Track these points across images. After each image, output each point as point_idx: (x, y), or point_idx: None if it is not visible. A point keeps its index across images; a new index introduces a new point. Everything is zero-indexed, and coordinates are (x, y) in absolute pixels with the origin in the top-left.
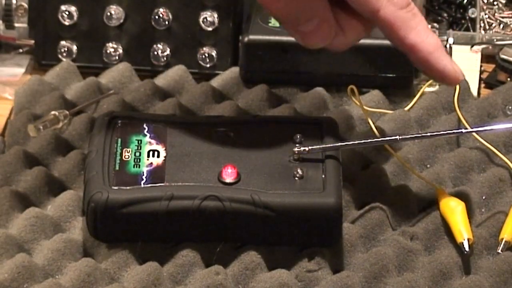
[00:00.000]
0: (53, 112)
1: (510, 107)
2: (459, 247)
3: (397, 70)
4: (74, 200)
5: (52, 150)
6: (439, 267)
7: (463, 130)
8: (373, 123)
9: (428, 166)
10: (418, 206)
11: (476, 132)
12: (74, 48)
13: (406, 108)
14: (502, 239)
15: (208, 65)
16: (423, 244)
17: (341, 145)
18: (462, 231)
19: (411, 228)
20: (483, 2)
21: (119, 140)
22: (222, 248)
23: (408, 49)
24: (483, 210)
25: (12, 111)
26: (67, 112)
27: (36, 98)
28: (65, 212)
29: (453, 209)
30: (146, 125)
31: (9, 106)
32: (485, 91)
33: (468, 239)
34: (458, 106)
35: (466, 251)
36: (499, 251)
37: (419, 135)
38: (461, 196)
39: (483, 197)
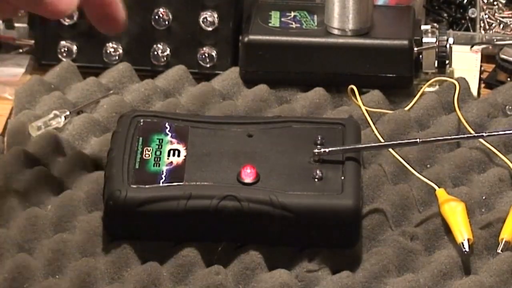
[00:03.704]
0: (53, 112)
1: (510, 107)
2: (459, 247)
3: (397, 70)
4: (74, 200)
5: (52, 150)
6: (439, 267)
7: (484, 134)
8: (373, 123)
9: (428, 166)
10: (418, 206)
11: (498, 135)
12: (74, 48)
13: (406, 108)
14: (502, 239)
15: (208, 65)
16: (423, 244)
17: (360, 147)
18: (462, 231)
19: (411, 228)
20: (483, 2)
21: (141, 138)
22: (222, 248)
23: None
24: (483, 210)
25: (12, 111)
26: (68, 112)
27: (36, 98)
28: (65, 212)
29: (453, 209)
30: (168, 124)
31: (9, 106)
32: (485, 91)
33: (468, 239)
34: (458, 106)
35: (466, 251)
36: (499, 251)
37: (441, 138)
38: (461, 196)
39: (483, 197)
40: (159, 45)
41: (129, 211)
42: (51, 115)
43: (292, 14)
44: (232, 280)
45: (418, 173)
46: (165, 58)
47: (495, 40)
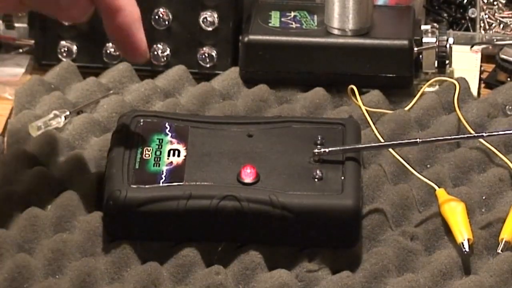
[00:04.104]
0: (53, 112)
1: (510, 107)
2: (459, 247)
3: (397, 70)
4: (74, 200)
5: (52, 150)
6: (439, 267)
7: (484, 134)
8: (373, 123)
9: (428, 166)
10: (418, 206)
11: (498, 135)
12: (74, 48)
13: (406, 108)
14: (502, 239)
15: (208, 65)
16: (423, 244)
17: (360, 147)
18: (462, 231)
19: (411, 228)
20: (483, 2)
21: (141, 138)
22: (222, 248)
23: (114, 11)
24: (483, 210)
25: (12, 111)
26: (68, 112)
27: (36, 98)
28: (65, 212)
29: (453, 209)
30: (168, 124)
31: (9, 106)
32: (485, 91)
33: (468, 239)
34: (458, 106)
35: (466, 251)
36: (499, 251)
37: (441, 138)
38: (461, 196)
39: (483, 197)
40: (159, 45)
41: (129, 211)
42: (51, 115)
43: (292, 14)
44: (232, 280)
45: (418, 173)
46: (165, 58)
47: (495, 40)
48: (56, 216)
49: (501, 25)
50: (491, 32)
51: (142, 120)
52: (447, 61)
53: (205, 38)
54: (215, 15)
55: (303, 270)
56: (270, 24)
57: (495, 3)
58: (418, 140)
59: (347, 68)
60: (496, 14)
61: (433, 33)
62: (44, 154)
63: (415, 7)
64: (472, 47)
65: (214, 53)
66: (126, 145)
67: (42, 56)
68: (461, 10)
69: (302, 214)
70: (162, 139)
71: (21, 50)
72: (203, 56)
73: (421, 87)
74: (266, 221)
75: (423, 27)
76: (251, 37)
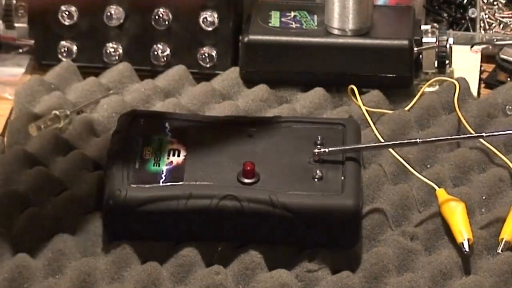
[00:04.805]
0: (54, 112)
1: (510, 107)
2: (459, 247)
3: (397, 70)
4: (74, 200)
5: (52, 150)
6: (439, 267)
7: (484, 134)
8: (373, 123)
9: (428, 166)
10: (418, 206)
11: (498, 136)
12: (74, 48)
13: (406, 108)
14: (502, 239)
15: (208, 65)
16: (423, 244)
17: (360, 147)
18: (462, 231)
19: (411, 228)
20: (483, 2)
21: (141, 138)
22: (222, 248)
23: None
24: (483, 210)
25: (12, 111)
26: (68, 112)
27: (36, 98)
28: (65, 212)
29: (453, 209)
30: (168, 124)
31: (9, 106)
32: (485, 91)
33: (468, 239)
34: (458, 106)
35: (466, 251)
36: (499, 251)
37: (441, 138)
38: (461, 196)
39: (483, 197)
40: (159, 45)
41: (129, 211)
42: (51, 115)
43: (292, 14)
44: (232, 280)
45: (418, 173)
46: (165, 58)
47: (495, 40)
48: (56, 216)
49: (501, 25)
50: (491, 32)
51: (142, 120)
52: (447, 61)
53: (205, 38)
54: (215, 15)
55: (303, 270)
56: (270, 24)
57: (495, 3)
58: (418, 140)
59: (347, 68)
60: (496, 14)
61: (433, 33)
62: (44, 154)
63: (415, 7)
64: (472, 47)
65: (214, 53)
66: (126, 145)
67: (42, 56)
68: (461, 10)
69: (302, 214)
70: (162, 139)
71: (21, 50)
72: (203, 56)
73: (421, 87)
74: (266, 221)
75: (423, 27)
76: (251, 37)
